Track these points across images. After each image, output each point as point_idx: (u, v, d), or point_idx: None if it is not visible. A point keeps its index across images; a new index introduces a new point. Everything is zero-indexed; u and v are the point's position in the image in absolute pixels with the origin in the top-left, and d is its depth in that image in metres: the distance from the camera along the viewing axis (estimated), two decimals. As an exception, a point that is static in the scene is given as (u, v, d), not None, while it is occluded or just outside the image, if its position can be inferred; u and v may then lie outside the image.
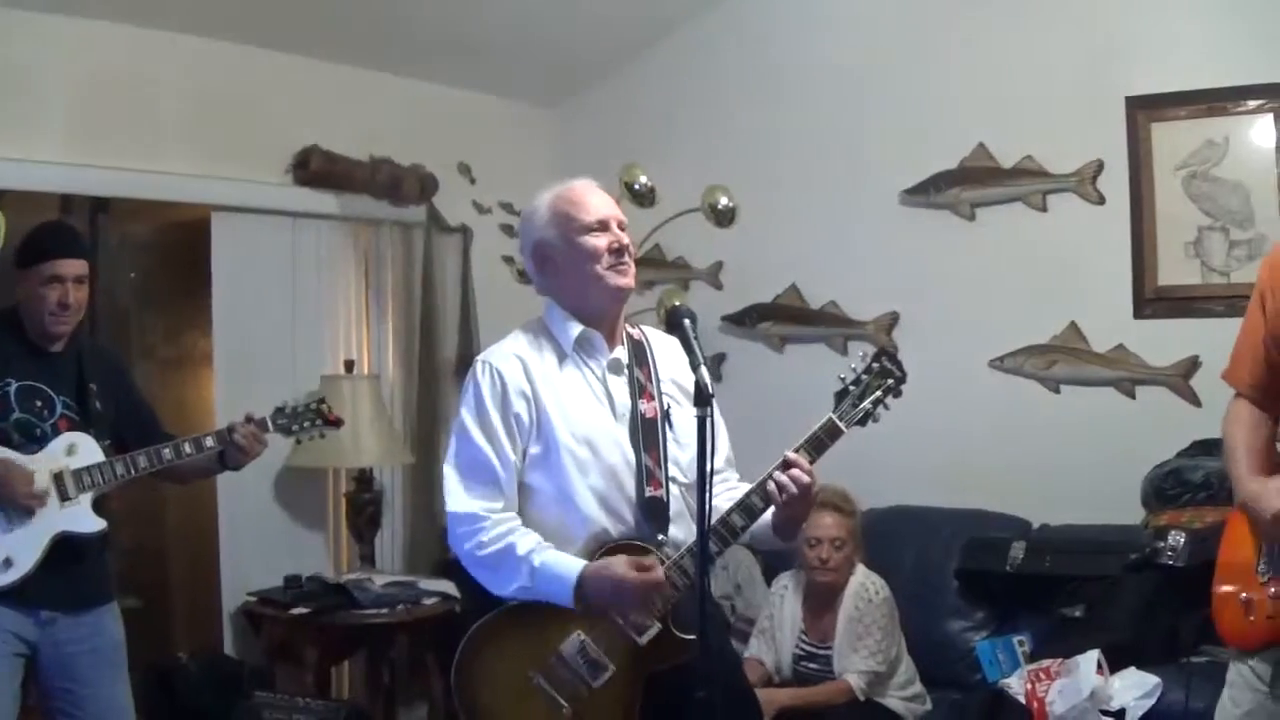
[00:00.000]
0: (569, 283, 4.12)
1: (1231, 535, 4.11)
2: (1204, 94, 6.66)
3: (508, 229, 8.10)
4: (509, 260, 8.02)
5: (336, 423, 5.51)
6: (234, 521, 6.90)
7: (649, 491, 4.03)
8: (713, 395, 3.55)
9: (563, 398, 4.05)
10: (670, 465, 4.09)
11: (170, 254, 7.60)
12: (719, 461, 4.24)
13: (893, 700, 6.06)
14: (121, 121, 6.36)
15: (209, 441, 5.08)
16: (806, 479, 3.91)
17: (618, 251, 4.06)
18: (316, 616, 6.58)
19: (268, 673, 6.74)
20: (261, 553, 6.98)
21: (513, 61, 7.91)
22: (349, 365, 7.23)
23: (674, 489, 4.09)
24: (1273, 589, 3.85)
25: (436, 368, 7.76)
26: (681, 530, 4.05)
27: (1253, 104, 6.58)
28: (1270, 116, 6.54)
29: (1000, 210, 7.22)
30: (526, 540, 3.95)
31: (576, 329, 4.09)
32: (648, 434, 4.07)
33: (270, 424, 5.25)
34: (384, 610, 6.67)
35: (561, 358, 4.10)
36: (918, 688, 6.21)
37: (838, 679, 5.99)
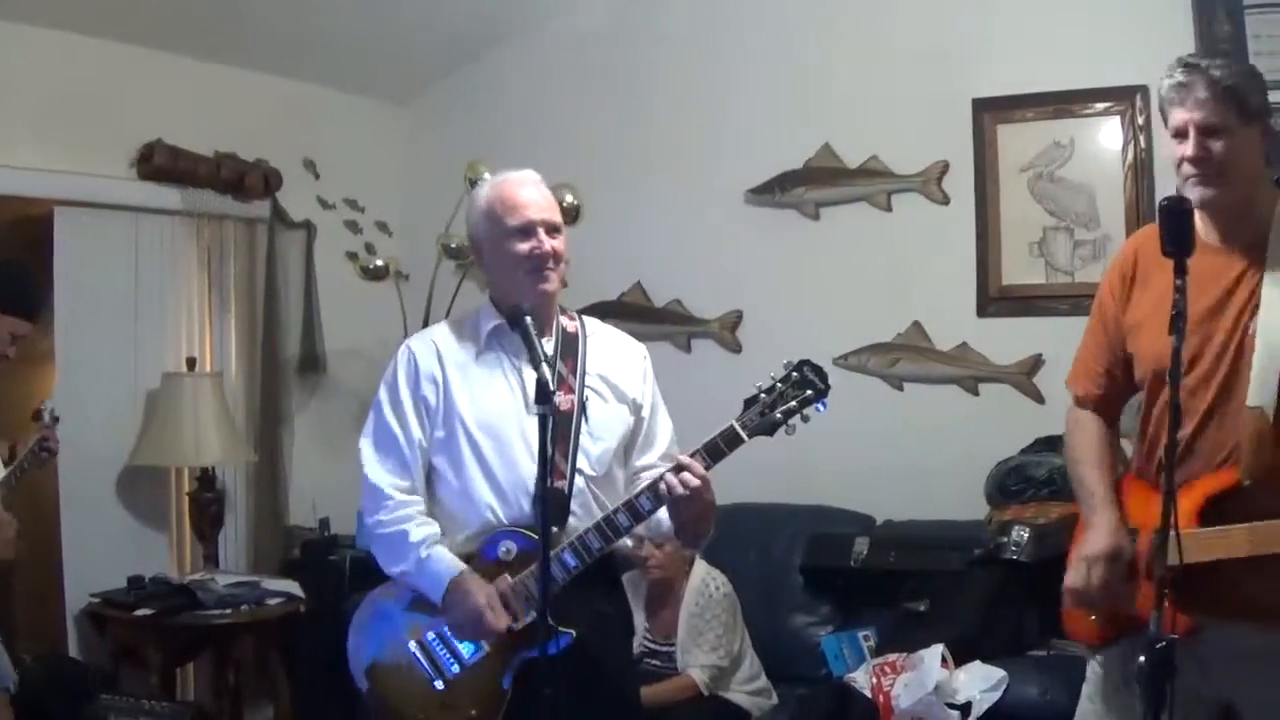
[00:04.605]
0: (495, 277, 4.33)
1: (1081, 532, 4.14)
2: (1050, 96, 6.79)
3: (352, 225, 8.11)
4: (353, 256, 7.97)
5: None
6: (76, 521, 6.78)
7: (550, 482, 4.05)
8: (554, 392, 3.68)
9: (473, 385, 4.21)
10: (580, 457, 4.17)
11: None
12: (652, 456, 4.37)
13: (738, 695, 6.11)
14: (-38, 114, 6.25)
15: None
16: (696, 482, 3.95)
17: (539, 257, 4.16)
18: (160, 618, 6.51)
19: (113, 674, 6.66)
20: (104, 553, 6.86)
21: (359, 57, 7.85)
22: (191, 363, 7.13)
23: (579, 481, 4.16)
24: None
25: (279, 365, 7.69)
26: (582, 522, 4.12)
27: (1100, 106, 6.70)
28: (1117, 119, 6.66)
29: (845, 210, 7.29)
30: (421, 530, 4.14)
31: (494, 322, 4.23)
32: (559, 426, 4.11)
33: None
34: (228, 611, 6.62)
35: (481, 347, 4.21)
36: (763, 682, 6.26)
37: (681, 674, 6.03)
